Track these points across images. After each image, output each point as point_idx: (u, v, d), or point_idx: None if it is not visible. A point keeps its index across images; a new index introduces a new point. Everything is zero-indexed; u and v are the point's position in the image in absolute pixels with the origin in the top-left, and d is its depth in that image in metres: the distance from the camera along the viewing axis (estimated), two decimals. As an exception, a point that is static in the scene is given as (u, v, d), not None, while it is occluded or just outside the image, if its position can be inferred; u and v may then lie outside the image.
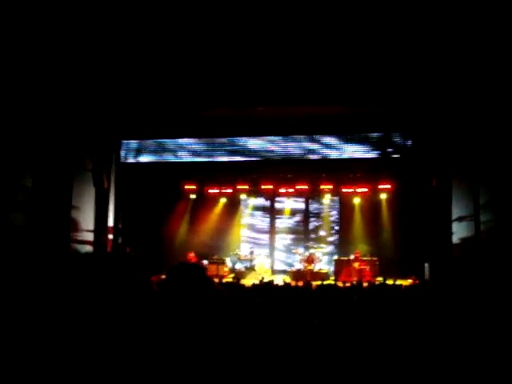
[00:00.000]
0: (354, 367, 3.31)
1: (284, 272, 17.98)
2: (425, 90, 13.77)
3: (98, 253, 15.02)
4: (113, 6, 11.51)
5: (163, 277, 2.34)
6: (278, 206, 19.80)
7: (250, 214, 20.05)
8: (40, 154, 13.19)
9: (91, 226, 15.50)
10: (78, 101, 14.15)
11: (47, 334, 2.31)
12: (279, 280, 12.98)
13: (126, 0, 11.49)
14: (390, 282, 11.90)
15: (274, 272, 18.26)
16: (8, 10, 10.78)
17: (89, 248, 15.10)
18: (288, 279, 15.20)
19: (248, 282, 12.00)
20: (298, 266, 17.78)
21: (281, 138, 17.52)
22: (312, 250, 17.78)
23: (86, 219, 15.29)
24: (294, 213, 19.67)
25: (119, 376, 1.99)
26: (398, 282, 11.54)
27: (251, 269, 17.81)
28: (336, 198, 19.00)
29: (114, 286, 2.33)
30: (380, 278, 14.57)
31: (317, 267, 17.28)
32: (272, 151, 17.57)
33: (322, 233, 19.33)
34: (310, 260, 17.12)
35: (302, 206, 19.63)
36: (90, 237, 15.40)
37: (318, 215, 19.57)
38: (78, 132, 14.62)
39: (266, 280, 11.51)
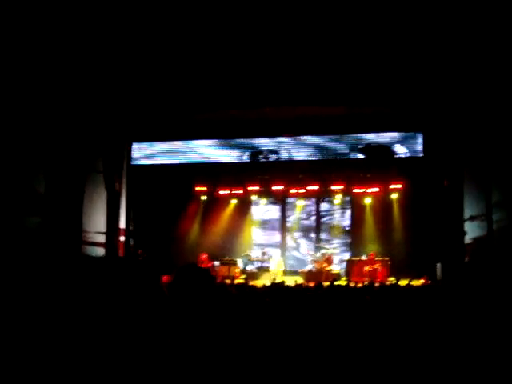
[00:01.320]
0: (366, 366, 3.31)
1: (295, 273, 17.92)
2: (437, 91, 13.72)
3: (110, 255, 15.09)
4: (127, 11, 11.60)
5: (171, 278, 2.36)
6: (289, 206, 19.77)
7: (262, 215, 20.03)
8: (52, 158, 13.31)
9: (103, 228, 15.58)
10: (89, 104, 14.25)
11: (59, 333, 2.33)
12: (291, 281, 12.96)
13: (139, 5, 11.57)
14: (401, 282, 11.83)
15: (285, 273, 18.22)
16: (17, 14, 10.88)
17: (100, 250, 15.19)
18: (300, 280, 15.15)
19: (260, 283, 12.00)
20: (310, 266, 17.73)
21: (291, 138, 17.55)
22: (329, 251, 17.70)
23: (98, 221, 15.39)
24: (304, 213, 19.63)
25: (128, 377, 2.01)
26: (410, 283, 11.47)
27: (264, 270, 17.77)
28: (347, 198, 18.93)
29: (124, 289, 2.35)
30: (392, 279, 14.49)
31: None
32: (282, 152, 17.59)
33: (333, 233, 19.27)
34: (328, 260, 17.04)
35: (313, 206, 19.59)
36: (102, 239, 15.50)
37: (329, 216, 19.51)
38: (89, 135, 14.72)
39: (277, 281, 11.50)
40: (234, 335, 2.24)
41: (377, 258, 16.34)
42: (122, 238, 16.53)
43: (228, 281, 12.42)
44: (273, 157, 17.68)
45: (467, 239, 14.25)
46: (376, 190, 17.79)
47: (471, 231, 14.13)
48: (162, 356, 2.05)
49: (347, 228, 19.22)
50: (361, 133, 16.93)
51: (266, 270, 17.81)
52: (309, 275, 16.66)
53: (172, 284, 2.06)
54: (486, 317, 4.65)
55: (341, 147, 17.24)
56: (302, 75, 13.72)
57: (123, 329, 2.20)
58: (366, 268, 16.17)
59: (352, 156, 17.12)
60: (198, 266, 2.49)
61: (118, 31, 12.36)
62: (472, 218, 14.09)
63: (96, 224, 15.26)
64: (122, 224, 16.56)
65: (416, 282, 12.92)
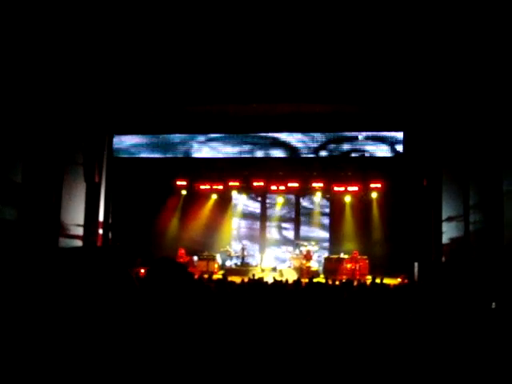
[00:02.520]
0: (344, 365, 3.33)
1: (274, 269, 17.95)
2: (418, 91, 13.83)
3: (87, 247, 14.96)
4: (110, 2, 11.48)
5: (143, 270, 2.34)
6: (268, 203, 19.80)
7: (241, 210, 20.03)
8: (30, 148, 13.11)
9: (81, 221, 15.42)
10: (70, 94, 14.08)
11: (34, 327, 2.30)
12: (270, 277, 12.98)
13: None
14: (379, 280, 11.94)
15: (263, 269, 18.25)
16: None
17: (78, 243, 15.04)
18: (278, 277, 15.19)
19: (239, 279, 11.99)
20: (289, 263, 17.79)
21: (272, 134, 17.60)
22: (309, 247, 17.75)
23: (77, 213, 15.22)
24: (284, 210, 19.68)
25: (104, 368, 1.99)
26: (387, 281, 11.57)
27: (244, 265, 17.76)
28: (327, 196, 19.03)
29: (97, 278, 2.33)
30: (369, 277, 14.61)
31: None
32: (264, 148, 17.64)
33: (312, 231, 19.35)
34: (308, 257, 17.08)
35: (292, 203, 19.65)
36: (80, 231, 15.34)
37: (308, 213, 19.58)
38: (69, 126, 14.54)
39: (256, 277, 11.50)
40: (210, 330, 2.23)
41: (358, 257, 16.45)
42: (101, 231, 16.39)
43: (206, 276, 12.37)
44: (254, 152, 17.74)
45: (445, 239, 14.42)
46: (356, 188, 17.92)
47: (449, 231, 14.31)
48: (132, 350, 2.03)
49: (326, 226, 19.30)
50: (342, 131, 17.04)
51: (247, 265, 17.81)
52: (288, 271, 16.72)
53: (147, 277, 2.04)
54: (460, 315, 4.70)
55: (322, 145, 17.32)
56: (283, 73, 13.72)
57: (97, 320, 2.18)
58: (349, 266, 16.25)
59: (333, 154, 17.22)
60: (175, 260, 2.47)
61: (101, 22, 12.22)
62: (450, 219, 14.26)
63: (74, 216, 15.09)
64: (101, 217, 16.42)
65: (394, 281, 13.05)
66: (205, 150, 18.15)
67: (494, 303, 5.79)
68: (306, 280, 10.86)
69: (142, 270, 13.57)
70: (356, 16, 11.90)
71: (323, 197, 18.98)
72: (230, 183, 18.80)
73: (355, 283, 10.92)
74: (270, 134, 17.68)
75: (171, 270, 2.06)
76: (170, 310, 2.03)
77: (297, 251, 17.96)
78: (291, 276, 14.66)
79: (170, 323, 1.94)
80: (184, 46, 13.05)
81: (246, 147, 17.90)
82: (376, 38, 12.49)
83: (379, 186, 17.64)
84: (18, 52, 12.09)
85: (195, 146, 18.17)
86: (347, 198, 18.31)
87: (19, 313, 2.42)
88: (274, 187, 18.69)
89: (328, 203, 19.25)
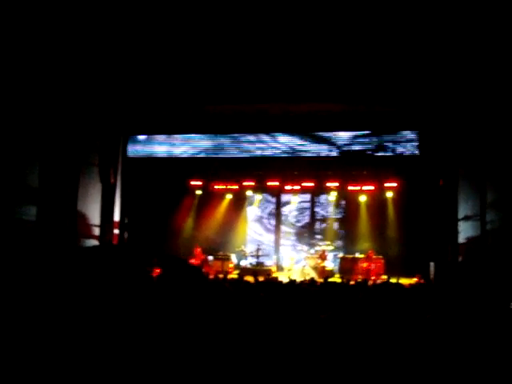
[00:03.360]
0: (358, 364, 3.32)
1: (289, 269, 17.93)
2: (433, 90, 13.73)
3: (104, 245, 15.07)
4: (122, 5, 11.55)
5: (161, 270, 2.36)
6: (283, 202, 19.79)
7: (257, 210, 20.04)
8: (47, 150, 13.25)
9: (97, 221, 15.56)
10: (85, 96, 14.19)
11: (51, 327, 2.32)
12: (285, 277, 12.98)
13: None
14: (394, 280, 11.89)
15: (279, 269, 18.25)
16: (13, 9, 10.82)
17: (95, 242, 15.16)
18: (293, 276, 15.17)
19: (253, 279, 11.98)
20: (304, 263, 17.77)
21: (287, 134, 17.59)
22: (323, 247, 17.73)
23: (93, 214, 15.36)
24: (299, 210, 19.66)
25: (119, 368, 2.01)
26: (403, 281, 11.51)
27: (259, 265, 17.76)
28: (342, 195, 18.97)
29: (114, 277, 2.35)
30: (384, 277, 14.55)
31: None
32: (279, 148, 17.64)
33: (327, 230, 19.30)
34: (323, 256, 17.06)
35: (307, 203, 19.61)
36: (96, 231, 15.47)
37: (323, 212, 19.54)
38: (84, 127, 14.67)
39: (271, 277, 11.52)
40: (227, 328, 2.24)
41: (373, 256, 16.38)
42: (117, 231, 16.51)
43: (221, 276, 12.41)
44: (269, 152, 17.74)
45: (461, 239, 14.30)
46: (371, 188, 17.84)
47: (465, 231, 14.19)
48: (152, 347, 2.05)
49: (341, 225, 19.25)
50: (357, 130, 16.98)
51: (262, 265, 17.81)
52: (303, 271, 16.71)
53: (162, 277, 2.05)
54: (477, 316, 4.66)
55: (336, 144, 17.28)
56: (297, 73, 13.71)
57: (113, 320, 2.20)
58: (364, 265, 16.20)
59: (348, 153, 17.17)
60: (189, 263, 2.48)
61: (114, 26, 12.30)
62: (466, 218, 14.14)
63: (90, 217, 15.23)
64: (117, 217, 16.54)
65: (409, 281, 12.98)
66: (220, 149, 18.16)
67: None
68: (321, 280, 10.84)
69: (158, 270, 13.65)
70: (370, 14, 11.85)
71: (338, 196, 18.93)
72: (245, 183, 18.83)
73: (370, 283, 10.90)
74: (284, 135, 17.66)
75: (184, 270, 2.07)
76: (185, 309, 2.04)
77: (312, 251, 17.93)
78: (306, 275, 14.66)
79: (186, 322, 1.96)
80: (200, 45, 13.09)
81: (261, 147, 17.88)
82: (390, 37, 12.43)
83: (395, 185, 17.54)
84: (34, 55, 12.22)
85: (210, 145, 18.19)
86: (362, 198, 18.24)
87: (37, 311, 2.45)
88: (288, 187, 18.68)
89: (343, 202, 19.19)
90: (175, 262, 2.21)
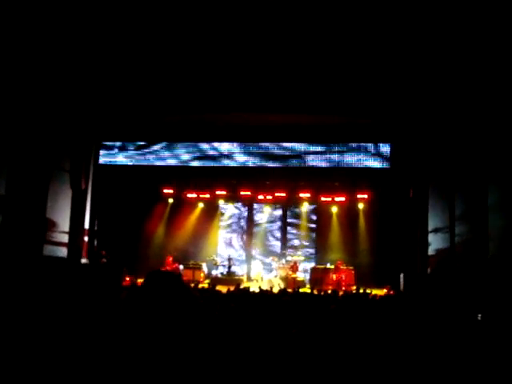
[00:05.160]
0: (331, 374, 3.32)
1: (260, 279, 17.89)
2: (405, 103, 13.94)
3: (73, 256, 14.81)
4: (102, 10, 11.46)
5: (140, 281, 2.33)
6: (255, 212, 19.79)
7: (228, 220, 19.99)
8: (17, 153, 13.01)
9: (67, 228, 15.28)
10: (58, 101, 14.00)
11: (16, 335, 2.27)
12: (256, 287, 12.94)
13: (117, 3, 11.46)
14: (365, 290, 11.97)
15: (249, 279, 18.21)
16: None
17: (63, 250, 14.89)
18: (264, 286, 15.14)
19: (225, 289, 11.93)
20: (275, 273, 17.75)
21: (260, 144, 17.62)
22: (295, 258, 17.75)
23: (62, 221, 15.09)
24: (271, 220, 19.68)
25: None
26: (373, 292, 11.60)
27: (230, 275, 17.68)
28: (314, 206, 19.07)
29: (83, 293, 2.31)
30: (354, 287, 14.62)
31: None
32: (251, 157, 17.66)
33: (298, 241, 19.35)
34: (294, 267, 17.07)
35: (279, 213, 19.65)
36: (66, 239, 15.19)
37: (295, 223, 19.59)
38: (57, 132, 14.45)
39: (242, 287, 11.47)
40: (196, 340, 2.21)
41: (342, 267, 16.45)
42: (86, 239, 16.26)
43: (192, 285, 12.32)
44: (241, 162, 17.75)
45: (430, 250, 14.49)
46: (342, 199, 17.98)
47: (434, 243, 14.38)
48: (118, 364, 2.00)
49: (313, 236, 19.32)
50: (329, 142, 17.11)
51: (233, 274, 17.74)
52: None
53: (141, 289, 2.02)
54: (446, 327, 4.72)
55: (309, 155, 17.37)
56: (274, 84, 13.78)
57: (83, 331, 2.15)
58: (333, 276, 16.26)
59: (319, 165, 17.27)
60: (170, 272, 2.45)
61: (90, 30, 12.19)
62: (436, 230, 14.34)
63: (60, 223, 14.96)
64: (87, 224, 16.29)
65: (379, 292, 13.07)
66: (192, 158, 18.07)
67: (479, 315, 5.82)
68: (291, 290, 10.84)
69: (127, 279, 13.49)
70: (343, 29, 12.00)
71: (310, 207, 19.02)
72: (217, 192, 18.78)
73: (341, 293, 10.94)
74: (259, 144, 17.67)
75: (167, 283, 2.04)
76: (163, 322, 2.01)
77: (283, 261, 17.93)
78: (277, 286, 14.64)
79: (160, 333, 1.93)
80: (174, 53, 13.06)
81: (235, 156, 17.86)
82: (365, 51, 12.59)
83: (366, 196, 17.71)
84: (5, 58, 12.01)
85: (182, 153, 18.09)
86: (334, 209, 18.37)
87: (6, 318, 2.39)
88: (261, 197, 18.70)
89: (315, 213, 19.28)
90: (156, 274, 2.18)
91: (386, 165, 16.80)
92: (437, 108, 13.72)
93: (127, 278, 13.41)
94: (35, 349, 2.14)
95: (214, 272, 18.18)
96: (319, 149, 17.25)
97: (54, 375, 2.03)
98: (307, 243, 19.30)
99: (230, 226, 19.99)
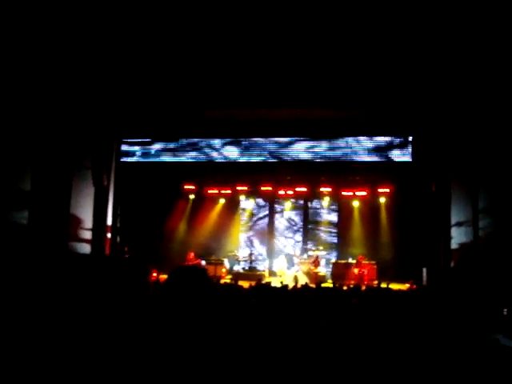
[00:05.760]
0: (353, 368, 3.32)
1: (282, 274, 17.87)
2: (426, 96, 13.80)
3: (96, 252, 14.99)
4: (116, 8, 11.54)
5: (164, 277, 2.35)
6: (277, 207, 19.79)
7: (250, 215, 20.04)
8: (40, 152, 13.19)
9: (90, 225, 15.47)
10: (79, 99, 14.15)
11: (43, 333, 2.30)
12: (278, 282, 12.95)
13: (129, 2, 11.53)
14: (383, 285, 11.91)
15: (271, 274, 18.22)
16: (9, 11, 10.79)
17: (87, 247, 15.08)
18: (286, 282, 15.15)
19: (247, 284, 11.98)
20: (297, 268, 17.75)
21: (282, 139, 17.57)
22: (317, 253, 17.71)
23: (85, 217, 15.27)
24: (292, 215, 19.67)
25: (113, 378, 1.99)
26: (396, 287, 11.53)
27: (252, 270, 17.72)
28: (335, 200, 18.99)
29: (110, 288, 2.33)
30: (376, 282, 14.55)
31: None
32: (272, 152, 17.62)
33: (320, 235, 19.30)
34: (316, 262, 17.05)
35: (300, 208, 19.62)
36: (89, 235, 15.38)
37: (316, 218, 19.54)
38: (78, 130, 14.61)
39: (264, 282, 11.50)
40: (222, 335, 2.23)
41: (364, 262, 16.37)
42: (109, 235, 16.43)
43: (214, 280, 12.39)
44: (262, 157, 17.72)
45: (453, 244, 14.34)
46: (364, 193, 17.88)
47: (458, 237, 14.23)
48: (149, 356, 2.03)
49: (334, 230, 19.26)
50: (350, 136, 16.99)
51: (254, 270, 17.78)
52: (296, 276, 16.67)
53: (166, 285, 2.04)
54: (470, 322, 4.67)
55: (330, 150, 17.27)
56: (291, 77, 13.73)
57: (109, 328, 2.18)
58: (355, 270, 16.21)
59: (341, 159, 17.16)
60: (194, 267, 2.47)
61: (107, 29, 12.28)
62: (459, 224, 14.19)
63: (83, 220, 15.15)
64: (109, 221, 16.47)
65: (402, 286, 12.99)
66: (214, 154, 18.09)
67: (505, 309, 5.76)
68: (314, 285, 10.83)
69: (154, 274, 13.59)
70: (360, 19, 11.90)
71: (331, 201, 18.96)
72: (238, 188, 18.82)
73: (363, 288, 10.90)
74: (278, 139, 17.61)
75: (192, 278, 2.05)
76: (189, 318, 2.03)
77: (305, 256, 17.92)
78: (299, 281, 14.64)
79: (182, 329, 1.95)
80: (196, 50, 13.09)
81: (254, 152, 17.83)
82: (384, 43, 12.48)
83: (387, 190, 17.59)
84: (27, 58, 12.17)
85: (204, 149, 18.12)
86: (355, 203, 18.28)
87: (31, 316, 2.43)
88: (281, 192, 18.69)
89: (336, 208, 19.21)
90: (181, 270, 2.19)
91: (408, 159, 16.63)
92: (459, 100, 13.55)
93: (154, 274, 13.52)
94: (60, 342, 2.18)
95: (235, 267, 18.23)
96: (339, 143, 17.13)
97: (78, 367, 2.06)
98: (329, 238, 19.25)
99: (251, 221, 20.03)
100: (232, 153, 17.84)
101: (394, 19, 11.84)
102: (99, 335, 2.12)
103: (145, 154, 18.13)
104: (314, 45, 12.82)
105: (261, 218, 20.02)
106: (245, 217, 20.01)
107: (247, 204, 19.83)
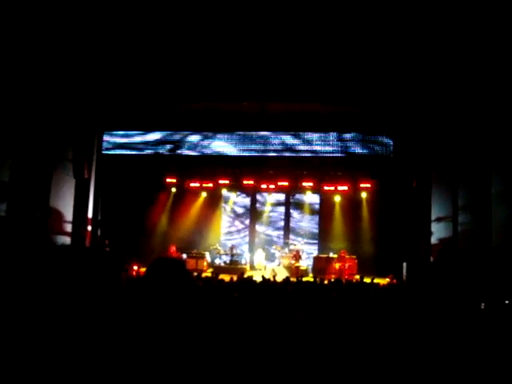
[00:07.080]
0: (333, 363, 3.33)
1: (263, 268, 17.92)
2: (408, 92, 13.88)
3: (76, 245, 14.84)
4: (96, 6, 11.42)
5: (143, 270, 2.34)
6: (258, 201, 19.82)
7: (231, 209, 20.04)
8: (20, 143, 13.00)
9: (70, 217, 15.30)
10: (60, 90, 13.97)
11: (20, 325, 2.28)
12: (259, 276, 12.96)
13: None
14: (367, 280, 11.98)
15: (252, 268, 18.24)
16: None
17: (67, 239, 14.93)
18: (267, 275, 15.16)
19: (228, 278, 11.96)
20: (278, 262, 17.81)
21: (263, 133, 17.55)
22: (298, 247, 17.79)
23: (65, 210, 15.10)
24: (274, 209, 19.71)
25: (88, 371, 1.97)
26: (376, 281, 11.61)
27: (233, 264, 17.72)
28: (317, 195, 19.08)
29: (89, 280, 2.31)
30: (358, 276, 14.64)
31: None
32: (254, 146, 17.60)
33: (301, 229, 19.38)
34: (297, 256, 17.11)
35: (282, 202, 19.67)
36: (69, 228, 15.22)
37: (298, 212, 19.61)
38: (59, 121, 14.43)
39: (245, 276, 11.49)
40: (199, 329, 2.22)
41: (345, 256, 16.47)
42: (90, 228, 16.29)
43: (195, 274, 12.36)
44: (244, 151, 17.69)
45: (433, 239, 14.49)
46: (345, 188, 17.99)
47: (437, 232, 14.38)
48: (125, 348, 2.01)
49: (315, 225, 19.35)
50: (334, 131, 17.04)
51: (236, 263, 17.78)
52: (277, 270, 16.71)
53: (145, 277, 2.03)
54: (449, 316, 4.72)
55: (312, 144, 17.31)
56: (276, 72, 13.71)
57: (85, 320, 2.16)
58: (336, 265, 16.30)
59: (323, 154, 17.21)
60: (173, 259, 2.46)
61: (90, 21, 12.13)
62: (438, 219, 14.33)
63: (63, 213, 14.98)
64: (90, 213, 16.32)
65: (382, 281, 13.09)
66: (197, 147, 18.00)
67: (483, 304, 5.83)
68: (295, 279, 10.86)
69: (135, 267, 13.52)
70: (343, 22, 11.92)
71: (313, 196, 19.04)
72: (220, 181, 18.80)
73: (344, 282, 10.95)
74: (261, 133, 17.59)
75: (171, 270, 2.04)
76: (167, 310, 2.01)
77: (286, 250, 17.98)
78: (280, 275, 14.68)
79: (162, 323, 1.93)
80: (174, 43, 12.99)
81: (237, 146, 17.78)
82: (367, 39, 12.51)
83: (369, 185, 17.73)
84: (7, 48, 11.97)
85: (186, 143, 18.04)
86: (337, 198, 18.38)
87: (9, 310, 2.39)
88: (264, 186, 18.72)
89: (318, 202, 19.30)
90: (160, 262, 2.18)
91: (388, 154, 16.73)
92: (439, 97, 13.65)
93: (135, 267, 13.45)
94: (39, 336, 2.15)
95: (217, 261, 18.24)
96: (322, 138, 17.16)
97: (57, 362, 2.04)
98: (310, 232, 19.33)
99: (232, 215, 20.03)
100: (215, 146, 17.77)
101: (373, 19, 11.88)
102: (75, 325, 2.09)
103: (126, 147, 17.98)
104: (297, 42, 12.80)
105: (242, 212, 20.02)
106: (226, 211, 20.01)
107: (229, 198, 19.82)
